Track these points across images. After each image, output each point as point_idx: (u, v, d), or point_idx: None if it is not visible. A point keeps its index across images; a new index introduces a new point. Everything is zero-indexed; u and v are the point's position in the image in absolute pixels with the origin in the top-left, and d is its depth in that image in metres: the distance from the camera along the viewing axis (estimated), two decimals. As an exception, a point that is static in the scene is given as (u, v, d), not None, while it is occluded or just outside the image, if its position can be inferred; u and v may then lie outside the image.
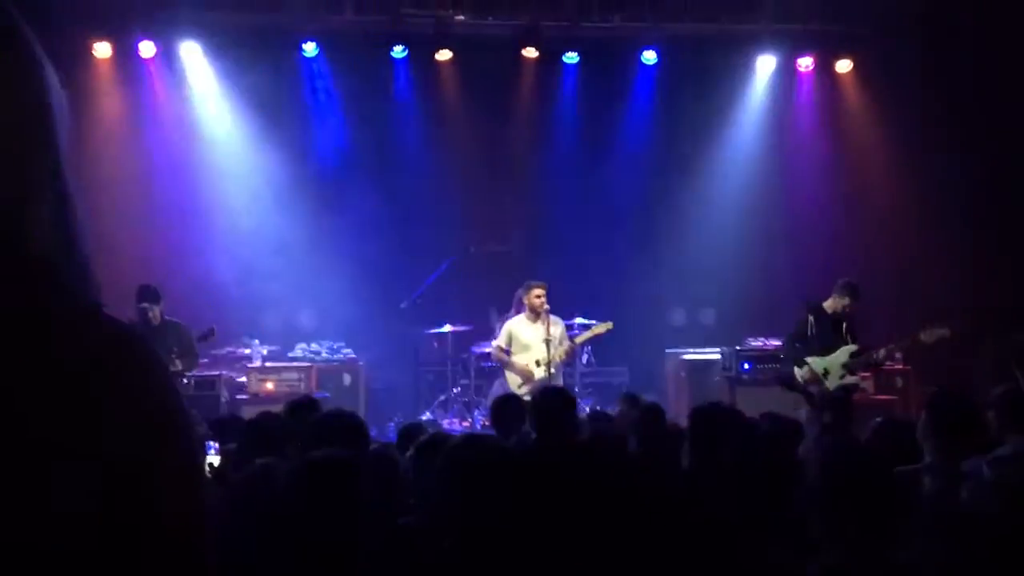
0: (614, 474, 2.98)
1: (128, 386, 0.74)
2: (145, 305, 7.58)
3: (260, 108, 10.02)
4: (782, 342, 8.01)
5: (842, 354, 7.40)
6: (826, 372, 7.38)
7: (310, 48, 10.08)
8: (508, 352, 8.01)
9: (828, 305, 7.54)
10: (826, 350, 7.43)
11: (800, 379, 7.44)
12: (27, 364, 0.71)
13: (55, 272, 0.77)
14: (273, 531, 2.27)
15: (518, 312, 8.62)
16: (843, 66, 10.76)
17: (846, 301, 7.46)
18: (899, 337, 7.56)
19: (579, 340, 8.29)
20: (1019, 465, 2.71)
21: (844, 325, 7.48)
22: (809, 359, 7.41)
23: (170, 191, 9.93)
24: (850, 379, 7.43)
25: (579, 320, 8.85)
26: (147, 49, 9.87)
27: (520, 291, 8.72)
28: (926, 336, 7.29)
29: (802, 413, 7.09)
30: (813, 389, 7.38)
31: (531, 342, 7.93)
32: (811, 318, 7.51)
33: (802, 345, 7.50)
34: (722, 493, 3.00)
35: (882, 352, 7.49)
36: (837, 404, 7.29)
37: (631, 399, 6.29)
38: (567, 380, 8.47)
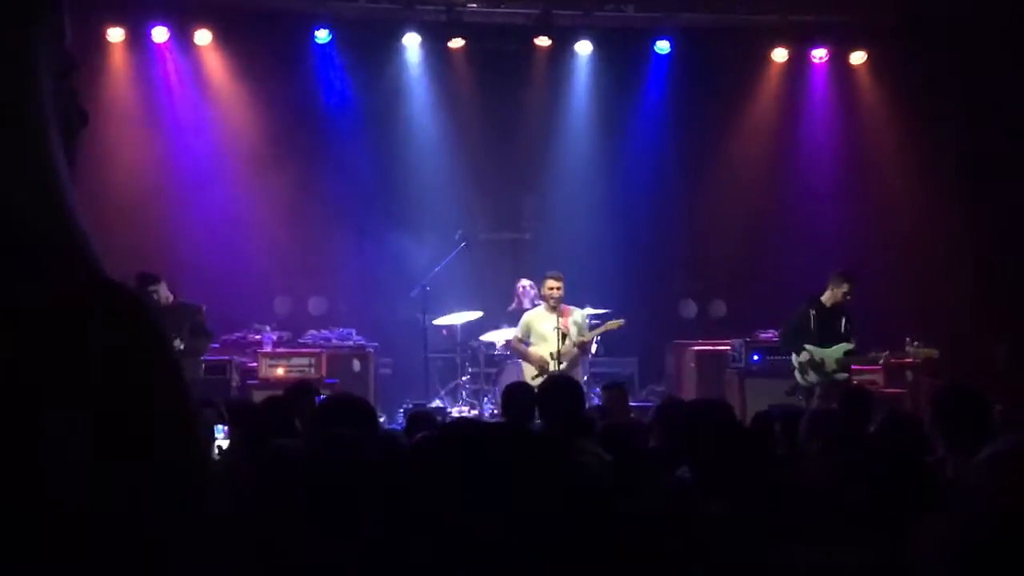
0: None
1: (125, 342, 0.76)
2: (149, 288, 7.61)
3: (272, 95, 10.03)
4: (780, 331, 8.07)
5: (838, 350, 7.49)
6: (822, 362, 7.49)
7: (323, 35, 10.08)
8: (527, 344, 8.02)
9: (827, 298, 7.63)
10: (825, 343, 7.53)
11: (796, 365, 7.51)
12: (20, 326, 0.73)
13: (44, 239, 0.79)
14: (286, 512, 2.29)
15: (519, 302, 8.68)
16: (858, 58, 10.70)
17: (844, 289, 7.56)
18: (894, 349, 7.80)
19: (590, 336, 8.28)
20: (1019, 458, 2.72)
21: (844, 319, 7.57)
22: (808, 346, 7.50)
23: (183, 174, 9.97)
24: (840, 375, 7.49)
25: (588, 311, 8.85)
26: (160, 34, 9.90)
27: (522, 282, 8.81)
28: (912, 352, 7.76)
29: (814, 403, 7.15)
30: (812, 378, 7.47)
31: (548, 333, 7.93)
32: (812, 312, 7.58)
33: (802, 336, 7.60)
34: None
35: (879, 356, 7.75)
36: (851, 396, 7.33)
37: (615, 387, 6.36)
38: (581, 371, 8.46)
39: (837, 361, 7.46)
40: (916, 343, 7.66)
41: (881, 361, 7.88)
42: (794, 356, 7.58)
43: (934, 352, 7.67)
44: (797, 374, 7.59)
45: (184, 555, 0.76)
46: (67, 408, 0.72)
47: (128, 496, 0.73)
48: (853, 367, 7.73)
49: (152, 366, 0.77)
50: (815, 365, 7.48)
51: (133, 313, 0.79)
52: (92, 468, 0.72)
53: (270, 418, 3.61)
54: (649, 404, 7.50)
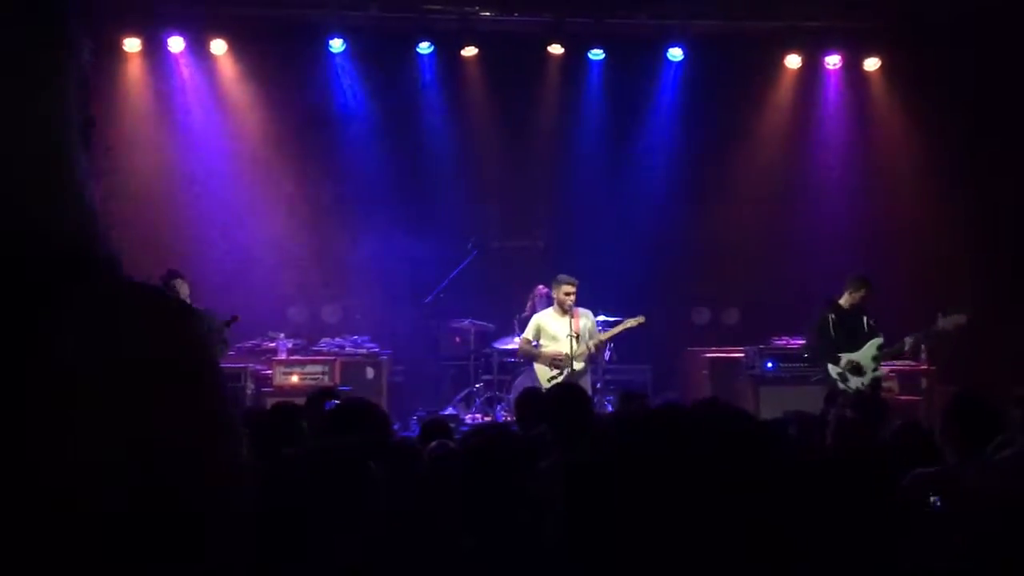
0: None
1: (169, 350, 0.78)
2: (170, 283, 7.65)
3: (286, 103, 10.10)
4: (804, 341, 8.02)
5: (871, 347, 7.47)
6: (859, 365, 7.47)
7: (337, 44, 10.14)
8: (536, 345, 8.01)
9: (844, 301, 7.59)
10: (852, 345, 7.46)
11: (835, 375, 7.46)
12: (74, 338, 0.74)
13: (90, 247, 0.81)
14: (293, 520, 2.30)
15: (533, 308, 8.66)
16: (871, 64, 10.67)
17: (862, 293, 7.56)
18: (923, 328, 7.63)
19: (609, 334, 8.24)
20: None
21: (866, 319, 7.55)
22: (842, 354, 7.45)
23: (197, 182, 10.03)
24: (880, 373, 7.53)
25: (602, 317, 8.83)
26: (176, 44, 9.98)
27: (539, 288, 8.78)
28: (943, 323, 7.44)
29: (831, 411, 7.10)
30: (855, 383, 7.41)
31: (559, 335, 7.91)
32: (832, 316, 7.54)
33: (827, 342, 7.52)
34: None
35: (907, 342, 7.59)
36: (865, 401, 7.29)
37: (629, 397, 6.28)
38: (590, 377, 8.45)
39: (874, 359, 7.48)
40: (942, 313, 7.45)
41: (907, 347, 7.63)
42: (831, 366, 7.56)
43: (962, 319, 7.39)
44: (839, 384, 7.56)
45: (221, 553, 0.77)
46: (104, 407, 0.73)
47: (165, 496, 0.74)
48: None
49: (192, 366, 0.79)
50: (855, 370, 7.48)
51: (174, 313, 0.80)
52: (128, 468, 0.73)
53: (278, 426, 3.62)
54: None
